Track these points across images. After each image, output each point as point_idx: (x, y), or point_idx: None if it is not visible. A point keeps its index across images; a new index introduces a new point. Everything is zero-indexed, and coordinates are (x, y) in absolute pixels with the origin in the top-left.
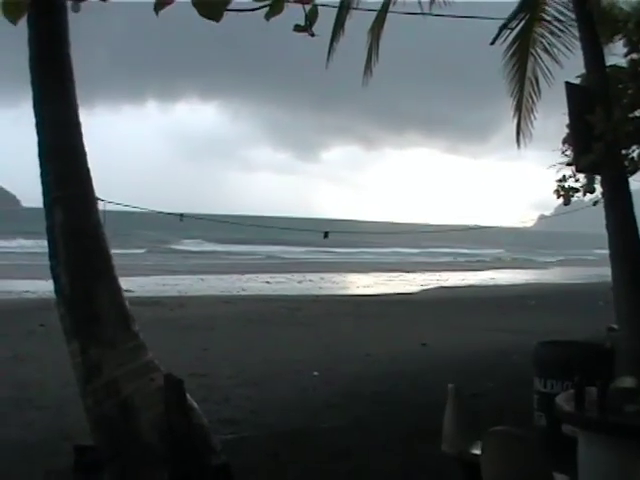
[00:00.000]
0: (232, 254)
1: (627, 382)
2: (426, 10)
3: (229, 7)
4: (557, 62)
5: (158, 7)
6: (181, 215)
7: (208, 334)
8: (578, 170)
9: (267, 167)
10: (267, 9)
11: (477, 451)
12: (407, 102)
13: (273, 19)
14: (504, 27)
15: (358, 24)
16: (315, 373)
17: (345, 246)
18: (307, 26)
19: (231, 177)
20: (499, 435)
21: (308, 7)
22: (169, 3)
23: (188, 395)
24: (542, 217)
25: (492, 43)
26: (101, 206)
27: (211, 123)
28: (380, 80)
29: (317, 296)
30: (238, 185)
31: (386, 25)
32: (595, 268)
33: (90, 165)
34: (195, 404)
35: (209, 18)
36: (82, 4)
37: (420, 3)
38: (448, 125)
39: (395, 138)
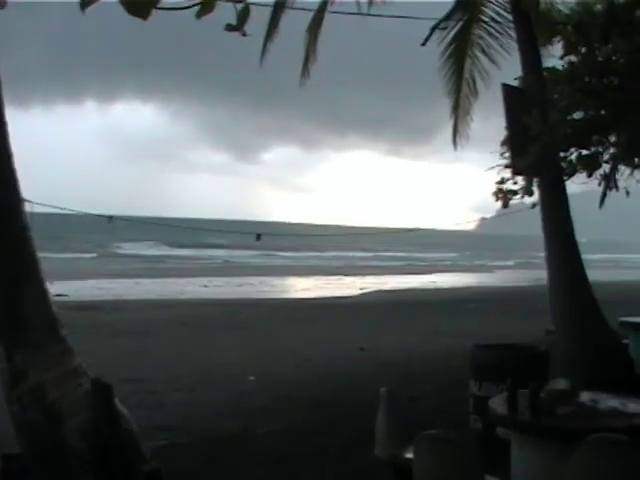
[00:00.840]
0: (170, 258)
1: (561, 384)
2: (364, 10)
3: (159, 5)
4: (494, 64)
5: (84, 5)
6: (110, 217)
7: (143, 339)
8: (515, 172)
9: (206, 168)
10: (198, 8)
11: (410, 455)
12: (349, 104)
13: (210, 18)
14: (435, 27)
15: (299, 23)
16: (251, 378)
17: (287, 249)
18: (239, 25)
19: (169, 179)
20: (430, 439)
21: (240, 6)
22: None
23: (118, 400)
24: (483, 219)
25: (423, 44)
26: (29, 208)
27: (150, 123)
28: (321, 81)
29: (256, 300)
30: (176, 187)
31: (326, 25)
32: (537, 271)
33: (21, 166)
34: (125, 410)
35: (137, 16)
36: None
37: (358, 3)
38: (391, 127)
39: (336, 140)
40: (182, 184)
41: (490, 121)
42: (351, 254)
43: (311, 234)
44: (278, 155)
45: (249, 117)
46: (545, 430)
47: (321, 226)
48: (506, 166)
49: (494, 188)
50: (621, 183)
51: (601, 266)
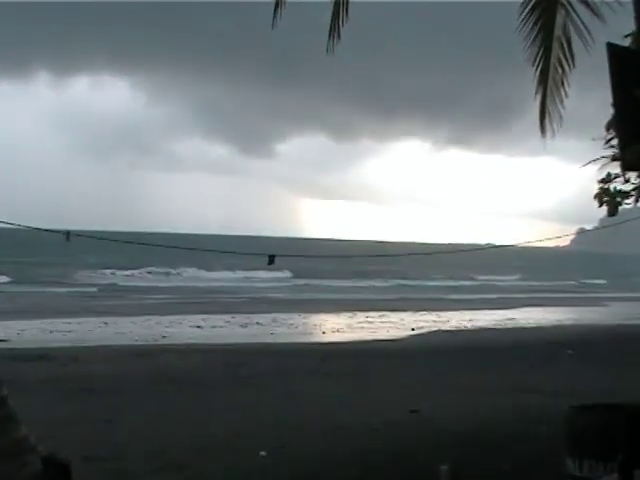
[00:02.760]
0: (150, 288)
1: None
2: None
3: None
4: (597, 15)
5: None
6: (67, 233)
7: (114, 400)
8: (626, 167)
9: (200, 165)
10: None
11: None
12: (396, 77)
13: None
14: None
15: None
16: (262, 453)
17: (316, 276)
18: None
19: (151, 179)
20: None
21: None
22: None
23: None
24: (581, 232)
25: None
26: None
27: (123, 104)
28: (357, 47)
29: (269, 345)
30: (161, 190)
31: None
32: None
33: None
34: None
35: None
36: None
37: None
38: (454, 108)
39: (379, 126)
40: (168, 186)
41: (589, 97)
42: (400, 282)
43: (346, 255)
44: (298, 147)
45: (257, 96)
46: None
47: (360, 243)
48: (613, 158)
49: (596, 189)
50: None
51: None
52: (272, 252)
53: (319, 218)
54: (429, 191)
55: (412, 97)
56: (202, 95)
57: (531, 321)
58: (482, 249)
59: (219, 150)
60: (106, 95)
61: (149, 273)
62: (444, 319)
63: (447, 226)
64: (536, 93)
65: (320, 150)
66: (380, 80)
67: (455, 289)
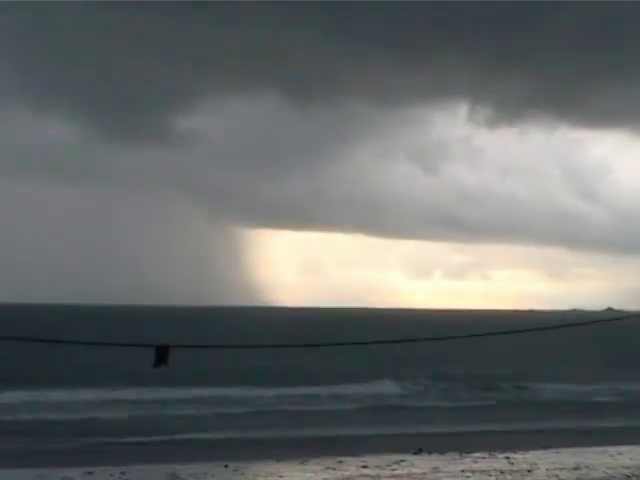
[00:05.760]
0: None
1: None
2: None
3: None
4: None
5: None
6: None
7: None
8: None
9: (26, 164)
10: None
11: None
12: None
13: None
14: None
15: None
16: None
17: (239, 382)
18: None
19: None
20: None
21: None
22: None
23: None
24: None
25: None
26: None
27: None
28: None
29: None
30: None
31: None
32: None
33: None
34: None
35: None
36: None
37: None
38: (532, 39)
39: (384, 74)
40: None
41: None
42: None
43: (299, 343)
44: (225, 119)
45: (140, 22)
46: None
47: (338, 311)
48: None
49: None
50: None
51: None
52: (163, 342)
53: (273, 270)
54: (482, 206)
55: (454, 19)
56: (29, 28)
57: None
58: (563, 325)
59: (62, 131)
60: None
61: None
62: (521, 467)
63: (514, 281)
64: None
65: (270, 124)
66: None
67: (526, 404)
